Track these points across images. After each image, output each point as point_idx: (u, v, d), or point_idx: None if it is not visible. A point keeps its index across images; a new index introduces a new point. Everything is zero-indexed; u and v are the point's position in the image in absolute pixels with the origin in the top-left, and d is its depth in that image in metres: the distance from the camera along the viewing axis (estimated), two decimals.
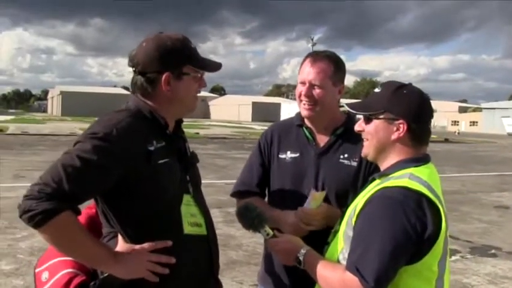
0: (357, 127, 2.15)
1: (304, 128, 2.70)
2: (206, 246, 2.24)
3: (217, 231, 2.36)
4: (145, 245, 2.03)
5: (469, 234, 9.10)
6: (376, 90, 2.12)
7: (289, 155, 2.68)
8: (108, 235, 2.14)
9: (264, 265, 2.80)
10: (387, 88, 2.08)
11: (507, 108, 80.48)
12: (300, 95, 2.61)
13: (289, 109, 54.65)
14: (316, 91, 2.56)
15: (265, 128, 3.06)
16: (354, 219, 1.96)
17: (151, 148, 2.04)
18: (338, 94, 2.65)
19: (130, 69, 2.17)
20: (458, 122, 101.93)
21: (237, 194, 2.80)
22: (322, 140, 2.66)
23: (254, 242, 7.69)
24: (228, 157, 20.55)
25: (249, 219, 2.20)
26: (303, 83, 2.59)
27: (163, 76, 2.12)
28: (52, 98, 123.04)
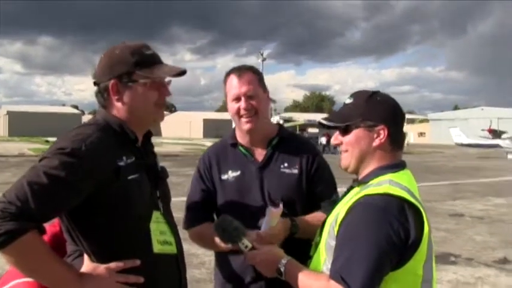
0: (334, 140, 2.12)
1: (239, 146, 2.68)
2: (176, 265, 2.17)
3: None
4: (112, 264, 1.93)
5: None
6: (348, 101, 2.11)
7: (230, 174, 2.65)
8: (73, 253, 2.03)
9: (218, 282, 2.75)
10: (360, 97, 2.09)
11: (453, 119, 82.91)
12: (238, 111, 2.58)
13: None
14: (254, 101, 2.57)
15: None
16: (336, 228, 1.91)
17: (121, 164, 1.96)
18: (268, 101, 2.69)
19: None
20: (406, 133, 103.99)
21: (190, 225, 2.70)
22: (260, 153, 2.66)
23: None
24: (181, 174, 20.32)
25: (228, 232, 2.17)
26: (237, 98, 2.58)
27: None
28: None
